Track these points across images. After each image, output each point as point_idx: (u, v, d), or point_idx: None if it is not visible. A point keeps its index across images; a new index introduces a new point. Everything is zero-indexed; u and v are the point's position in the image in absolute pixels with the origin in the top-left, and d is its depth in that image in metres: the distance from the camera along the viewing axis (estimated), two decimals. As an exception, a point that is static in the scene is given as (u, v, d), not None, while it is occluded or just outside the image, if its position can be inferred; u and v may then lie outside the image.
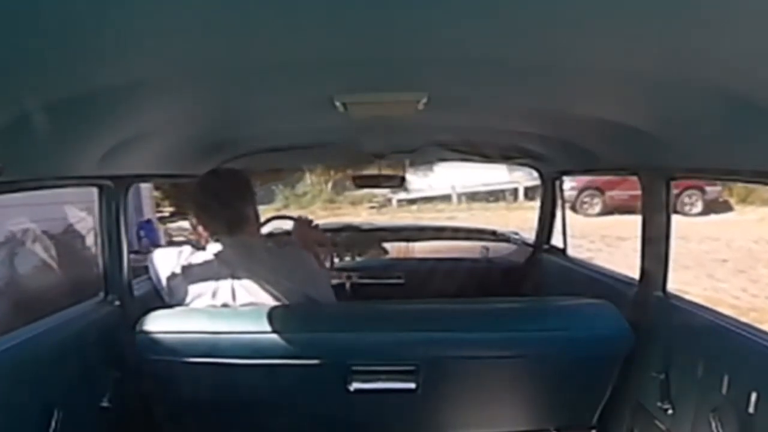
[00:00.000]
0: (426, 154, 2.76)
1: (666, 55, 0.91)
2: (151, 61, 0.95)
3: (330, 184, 13.88)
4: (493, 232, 3.45)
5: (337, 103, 1.34)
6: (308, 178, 13.55)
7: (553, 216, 2.90)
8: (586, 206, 12.35)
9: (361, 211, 13.07)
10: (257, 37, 0.87)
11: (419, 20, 0.81)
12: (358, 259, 3.26)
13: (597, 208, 12.37)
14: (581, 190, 12.13)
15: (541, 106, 1.55)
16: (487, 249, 3.25)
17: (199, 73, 1.06)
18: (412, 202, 14.06)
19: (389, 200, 14.05)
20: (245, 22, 0.79)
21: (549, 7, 0.76)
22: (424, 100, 1.34)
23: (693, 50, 0.88)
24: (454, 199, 14.31)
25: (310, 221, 2.31)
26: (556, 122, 1.75)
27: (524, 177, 12.02)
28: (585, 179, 11.29)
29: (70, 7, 0.70)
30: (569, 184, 12.02)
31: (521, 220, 6.97)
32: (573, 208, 12.07)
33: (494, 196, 14.15)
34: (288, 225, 3.13)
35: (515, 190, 13.80)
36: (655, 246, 1.80)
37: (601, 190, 12.26)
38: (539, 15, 0.78)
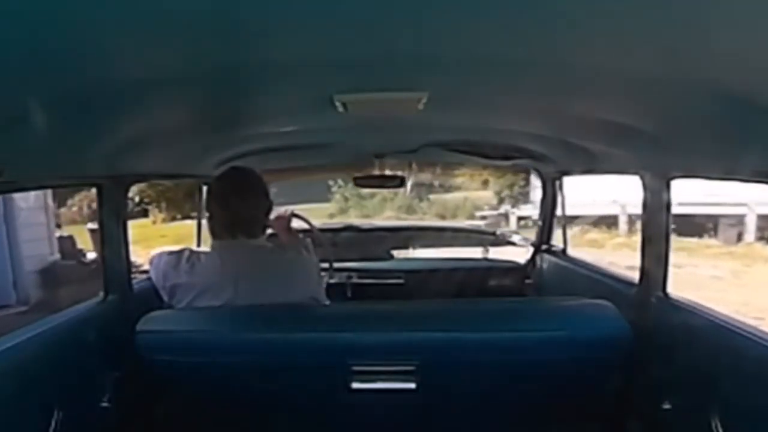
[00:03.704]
0: (426, 154, 2.76)
1: (666, 55, 0.91)
2: (151, 62, 0.95)
3: (409, 185, 9.02)
4: (493, 233, 3.46)
5: (337, 103, 1.34)
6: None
7: (553, 216, 2.90)
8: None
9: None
10: (257, 37, 0.87)
11: (419, 20, 0.81)
12: (361, 263, 3.24)
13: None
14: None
15: (541, 106, 1.55)
16: (488, 249, 3.25)
17: (198, 74, 1.06)
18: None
19: (505, 216, 10.06)
20: (245, 23, 0.80)
21: (549, 7, 0.76)
22: (425, 100, 1.34)
23: (693, 50, 0.88)
24: (622, 223, 9.62)
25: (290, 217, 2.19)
26: (556, 122, 1.75)
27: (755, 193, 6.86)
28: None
29: (70, 8, 0.70)
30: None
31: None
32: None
33: (691, 224, 7.70)
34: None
35: (742, 218, 8.46)
36: (655, 246, 1.80)
37: None
38: (539, 15, 0.78)
